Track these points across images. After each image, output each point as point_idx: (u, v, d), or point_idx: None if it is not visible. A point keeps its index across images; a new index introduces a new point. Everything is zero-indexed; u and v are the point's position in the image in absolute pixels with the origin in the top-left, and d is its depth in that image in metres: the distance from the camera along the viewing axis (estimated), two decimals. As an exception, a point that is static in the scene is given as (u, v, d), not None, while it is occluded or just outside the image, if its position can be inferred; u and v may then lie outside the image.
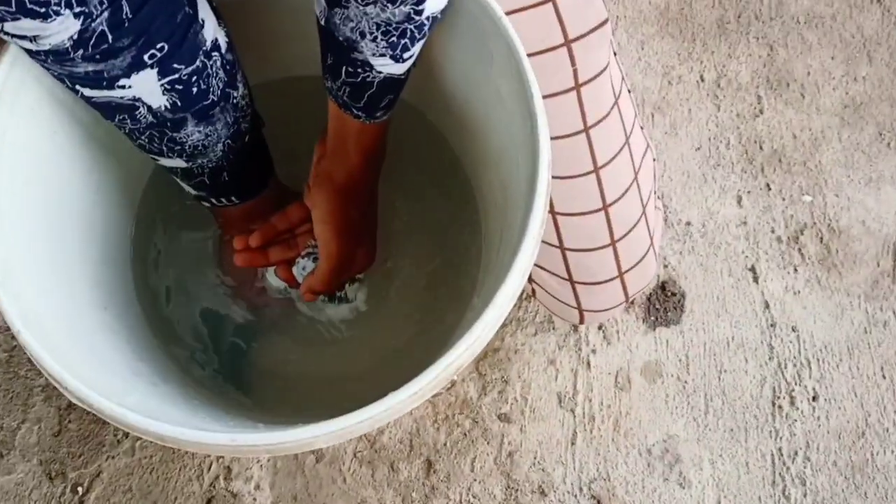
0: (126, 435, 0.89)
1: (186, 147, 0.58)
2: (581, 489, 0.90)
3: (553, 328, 0.95)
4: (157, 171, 0.76)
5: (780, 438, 0.92)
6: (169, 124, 0.55)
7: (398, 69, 0.57)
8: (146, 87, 0.50)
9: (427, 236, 0.83)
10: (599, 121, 0.72)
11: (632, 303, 0.95)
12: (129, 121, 0.54)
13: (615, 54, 0.75)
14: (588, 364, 0.94)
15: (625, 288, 0.80)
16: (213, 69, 0.54)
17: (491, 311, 0.52)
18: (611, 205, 0.75)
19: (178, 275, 0.78)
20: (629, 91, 0.78)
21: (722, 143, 1.02)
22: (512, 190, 0.65)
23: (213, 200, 0.68)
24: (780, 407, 0.93)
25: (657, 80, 1.04)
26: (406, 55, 0.56)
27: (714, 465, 0.91)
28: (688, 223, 0.99)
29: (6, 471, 0.87)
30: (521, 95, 0.57)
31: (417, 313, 0.82)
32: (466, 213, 0.81)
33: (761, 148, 1.02)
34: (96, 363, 0.55)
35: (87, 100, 0.52)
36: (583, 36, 0.68)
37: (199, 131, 0.57)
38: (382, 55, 0.55)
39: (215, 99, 0.55)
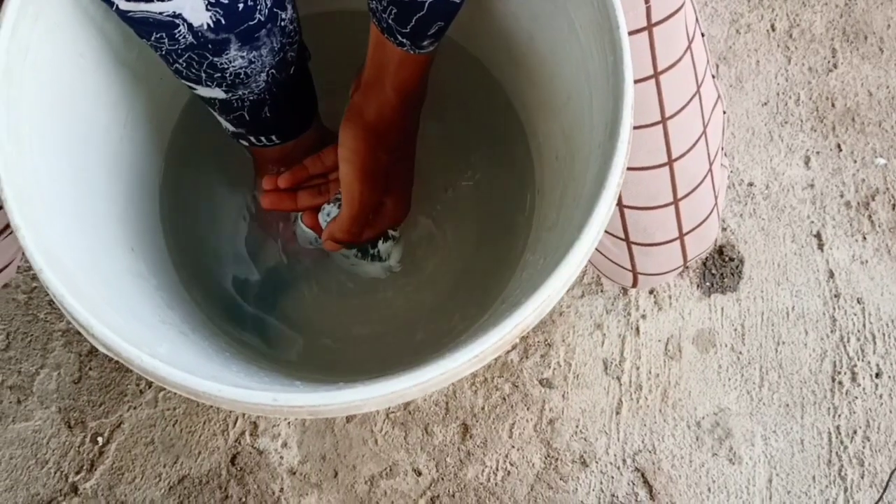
0: (149, 385, 0.85)
1: (227, 75, 0.52)
2: (625, 461, 0.85)
3: (601, 290, 0.89)
4: (191, 103, 0.70)
5: (839, 416, 0.87)
6: (210, 47, 0.49)
7: None
8: (188, 1, 0.44)
9: (472, 191, 0.78)
10: (671, 66, 0.66)
11: (686, 267, 0.89)
12: (166, 41, 0.48)
13: (690, -8, 0.69)
14: (637, 330, 0.89)
15: (684, 251, 0.74)
16: None
17: (564, 269, 0.46)
18: (676, 159, 0.69)
19: (209, 217, 0.73)
20: (702, 34, 0.71)
21: (791, 99, 0.95)
22: (579, 138, 0.59)
23: (252, 139, 0.62)
24: (840, 383, 0.88)
25: (724, 28, 0.97)
26: None
27: (767, 442, 0.86)
28: (750, 184, 0.93)
29: (24, 417, 0.84)
30: (600, 25, 0.50)
31: (458, 270, 0.76)
32: (518, 166, 0.75)
33: (833, 105, 0.95)
34: (123, 308, 0.50)
35: (123, 14, 0.47)
36: None
37: (243, 57, 0.51)
38: None
39: (262, 19, 0.50)
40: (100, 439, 0.84)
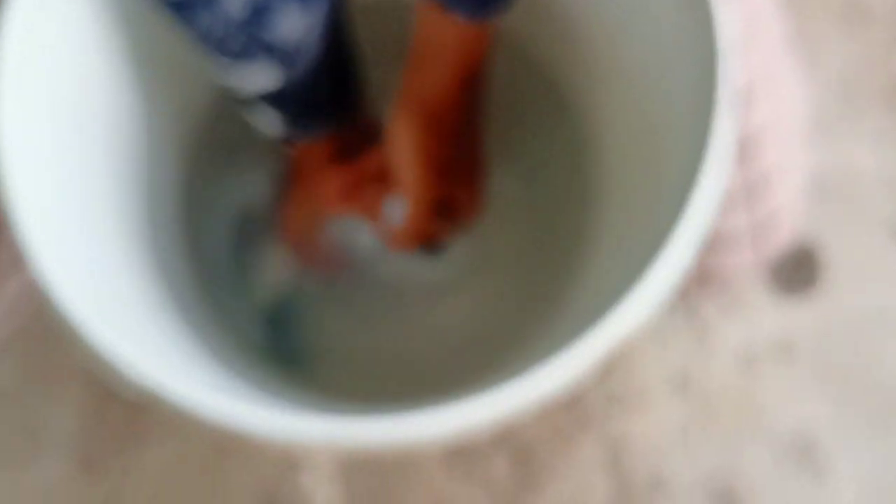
0: (173, 423, 0.78)
1: (287, 47, 0.47)
2: (700, 485, 0.77)
3: (662, 299, 0.82)
4: (214, 111, 0.65)
5: (934, 426, 0.79)
6: (269, 14, 0.45)
7: None
8: None
9: (520, 191, 0.71)
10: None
11: (758, 264, 0.83)
12: (221, 20, 0.44)
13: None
14: (704, 341, 0.81)
15: (756, 247, 0.67)
16: None
17: (673, 256, 0.40)
18: (746, 141, 0.62)
19: (234, 236, 0.67)
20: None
21: (856, 82, 0.89)
22: (656, 118, 0.52)
23: (311, 131, 0.57)
24: (933, 389, 0.80)
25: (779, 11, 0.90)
26: None
27: (855, 459, 0.78)
28: (820, 174, 0.86)
29: (40, 463, 0.77)
30: None
31: (511, 283, 0.70)
32: (572, 159, 0.68)
33: (903, 86, 0.89)
34: (151, 341, 0.44)
35: (177, 6, 0.43)
36: None
37: (299, 20, 0.46)
38: None
39: None
40: (122, 483, 0.77)
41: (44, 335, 0.80)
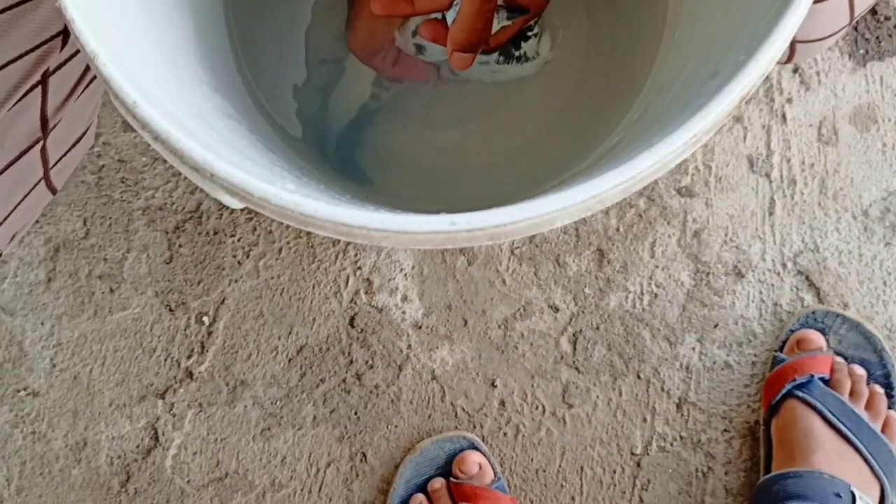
0: (246, 255, 0.77)
1: None
2: (785, 265, 0.75)
3: (736, 77, 0.77)
4: None
5: None
6: None
7: None
8: None
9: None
10: None
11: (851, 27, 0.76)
12: None
13: None
14: (783, 117, 0.77)
15: (851, 4, 0.61)
16: None
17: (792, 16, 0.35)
18: None
19: (287, 46, 0.62)
20: None
21: None
22: None
23: None
24: None
25: None
26: None
27: (946, 222, 0.75)
28: (905, -79, 0.78)
29: (121, 306, 0.77)
30: None
31: (577, 77, 0.65)
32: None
33: None
34: (231, 149, 0.41)
35: None
36: None
37: None
38: None
39: None
40: (205, 319, 0.77)
41: (98, 182, 0.78)
